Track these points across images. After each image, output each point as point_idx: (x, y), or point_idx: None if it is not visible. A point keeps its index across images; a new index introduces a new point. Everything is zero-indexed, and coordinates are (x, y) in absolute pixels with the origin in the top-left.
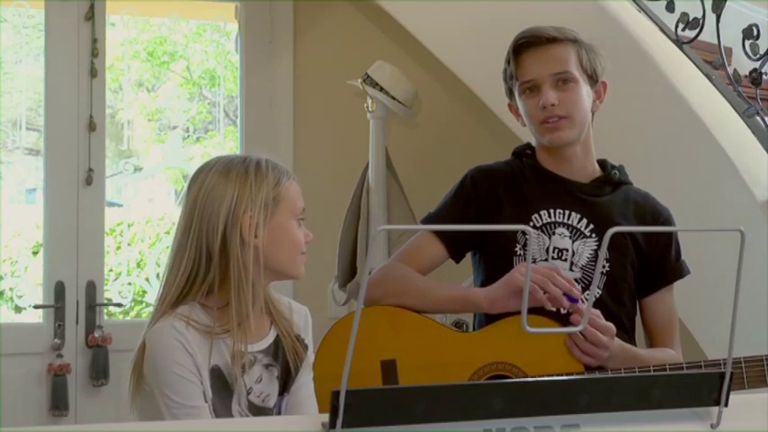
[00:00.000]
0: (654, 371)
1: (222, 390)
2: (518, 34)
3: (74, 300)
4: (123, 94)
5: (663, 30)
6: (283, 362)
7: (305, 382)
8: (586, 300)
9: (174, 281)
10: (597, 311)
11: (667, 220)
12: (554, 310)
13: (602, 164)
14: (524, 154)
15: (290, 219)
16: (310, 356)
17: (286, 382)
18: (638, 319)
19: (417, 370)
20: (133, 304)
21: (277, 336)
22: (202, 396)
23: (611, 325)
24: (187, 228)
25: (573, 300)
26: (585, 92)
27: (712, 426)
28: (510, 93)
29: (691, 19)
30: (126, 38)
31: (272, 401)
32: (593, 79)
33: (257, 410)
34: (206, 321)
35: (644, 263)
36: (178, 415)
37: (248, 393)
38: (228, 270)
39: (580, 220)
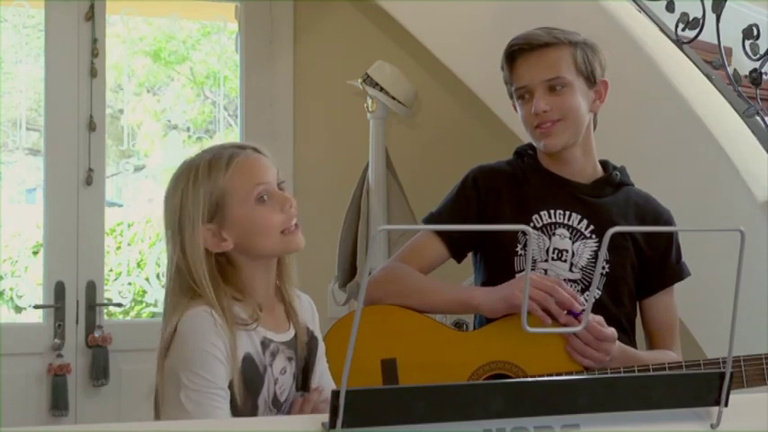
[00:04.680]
0: (653, 371)
1: (253, 379)
2: (511, 40)
3: (74, 300)
4: (123, 94)
5: (663, 30)
6: (299, 358)
7: (324, 369)
8: (586, 300)
9: (174, 288)
10: (600, 318)
11: (668, 222)
12: None
13: (604, 165)
14: (526, 154)
15: (243, 207)
16: (322, 346)
17: (300, 379)
18: (638, 320)
19: (418, 369)
20: (133, 304)
21: (295, 332)
22: (227, 382)
23: (612, 330)
24: (167, 242)
25: (574, 314)
26: (581, 94)
27: (712, 426)
28: (511, 95)
29: (691, 19)
30: (126, 38)
31: (285, 396)
32: (590, 80)
33: (277, 403)
34: (234, 310)
35: (644, 264)
36: (201, 394)
37: (275, 383)
38: (198, 277)
39: (580, 221)
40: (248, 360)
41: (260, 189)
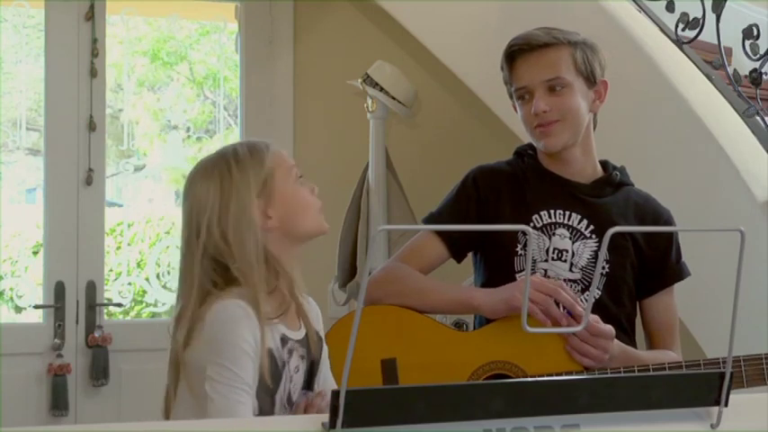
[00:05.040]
0: (654, 371)
1: (273, 375)
2: (510, 41)
3: (74, 300)
4: (124, 93)
5: (663, 30)
6: (309, 357)
7: (327, 371)
8: (586, 301)
9: (192, 288)
10: (596, 316)
11: (668, 222)
12: None
13: (604, 165)
14: (526, 154)
15: (288, 182)
16: (326, 348)
17: (308, 378)
18: (638, 320)
19: (418, 369)
20: (133, 304)
21: (306, 331)
22: (254, 379)
23: (610, 327)
24: (191, 238)
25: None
26: (581, 94)
27: (712, 426)
28: (511, 96)
29: (691, 19)
30: (126, 38)
31: (296, 395)
32: (590, 80)
33: (290, 401)
34: (264, 306)
35: (644, 264)
36: (229, 388)
37: (290, 381)
38: (240, 262)
39: (580, 221)
40: (270, 356)
41: (296, 170)
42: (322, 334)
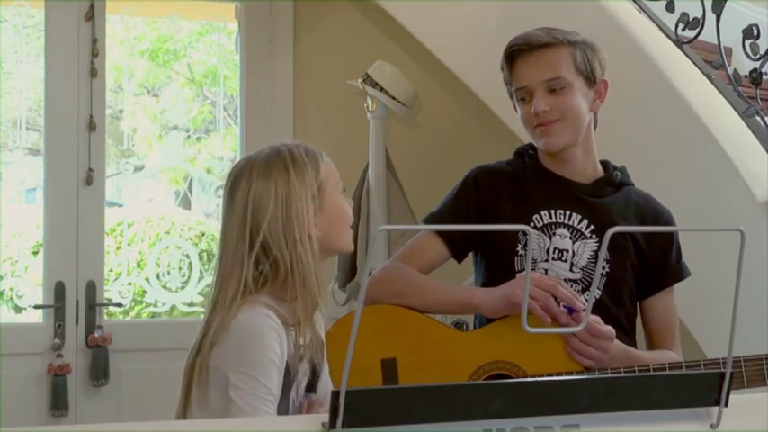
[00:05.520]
0: (654, 371)
1: (287, 379)
2: (510, 41)
3: (74, 300)
4: (124, 94)
5: (663, 30)
6: (312, 361)
7: (327, 374)
8: (586, 300)
9: (233, 287)
10: (597, 317)
11: (668, 222)
12: None
13: (605, 165)
14: (526, 154)
15: (337, 194)
16: (325, 353)
17: (311, 381)
18: (638, 321)
19: (418, 368)
20: (133, 304)
21: (311, 336)
22: (278, 388)
23: (610, 328)
24: (241, 237)
25: (571, 310)
26: (581, 94)
27: (712, 426)
28: (511, 96)
29: (691, 19)
30: (126, 38)
31: (300, 398)
32: (590, 80)
33: (296, 404)
34: (283, 313)
35: (644, 264)
36: (257, 398)
37: (298, 385)
38: (294, 266)
39: (581, 221)
40: (287, 361)
41: (341, 183)
42: (323, 334)
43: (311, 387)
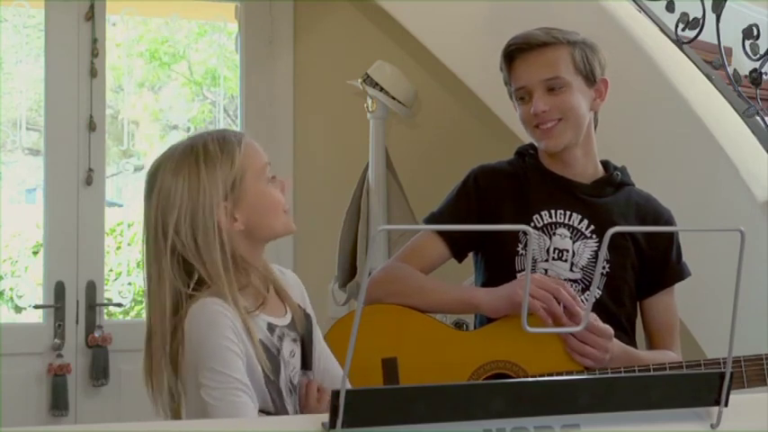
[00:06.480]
0: (654, 371)
1: (270, 364)
2: (509, 40)
3: (74, 300)
4: (124, 94)
5: (663, 30)
6: (300, 337)
7: (323, 347)
8: (586, 300)
9: (165, 292)
10: (594, 315)
11: (668, 222)
12: None
13: (605, 165)
14: (527, 154)
15: (259, 183)
16: (315, 321)
17: (304, 358)
18: (638, 321)
19: (418, 367)
20: (133, 304)
21: (292, 314)
22: (245, 373)
23: (608, 327)
24: (159, 243)
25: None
26: (581, 93)
27: (712, 426)
28: (511, 96)
29: (691, 19)
30: (126, 38)
31: (297, 378)
32: (590, 79)
33: (292, 386)
34: (244, 300)
35: (644, 264)
36: (224, 391)
37: (287, 367)
38: (204, 263)
39: (581, 221)
40: (263, 346)
41: (268, 168)
42: (309, 309)
43: (305, 364)
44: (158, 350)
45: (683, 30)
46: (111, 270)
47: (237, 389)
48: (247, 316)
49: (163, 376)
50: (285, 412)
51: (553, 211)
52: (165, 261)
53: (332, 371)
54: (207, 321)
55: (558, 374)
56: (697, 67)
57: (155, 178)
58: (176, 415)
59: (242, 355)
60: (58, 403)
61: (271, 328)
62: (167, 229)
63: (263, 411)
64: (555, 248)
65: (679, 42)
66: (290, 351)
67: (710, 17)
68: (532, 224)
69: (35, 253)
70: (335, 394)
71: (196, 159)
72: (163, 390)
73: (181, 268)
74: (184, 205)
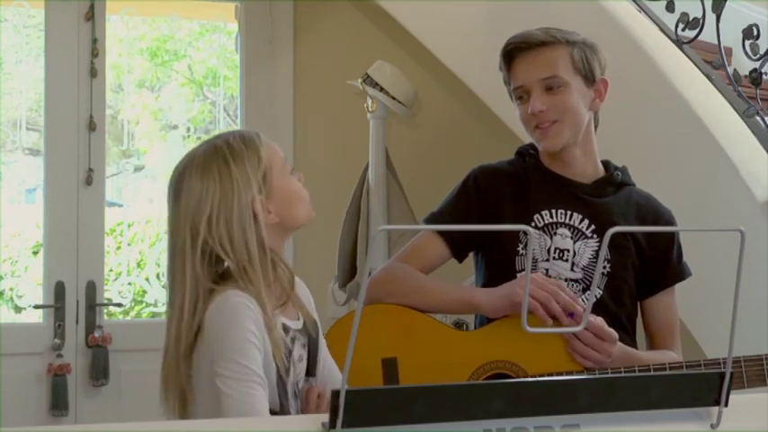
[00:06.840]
0: (654, 371)
1: (285, 364)
2: (508, 39)
3: (74, 300)
4: (124, 94)
5: (663, 30)
6: (309, 345)
7: (327, 355)
8: (587, 300)
9: (188, 287)
10: (601, 319)
11: (669, 222)
12: None
13: (606, 165)
14: (527, 154)
15: (284, 175)
16: (320, 330)
17: (309, 364)
18: (639, 321)
19: (418, 368)
20: (133, 304)
21: (303, 319)
22: (262, 367)
23: (614, 332)
24: (186, 244)
25: (573, 316)
26: (579, 93)
27: (712, 426)
28: (511, 96)
29: (691, 19)
30: (126, 38)
31: (301, 383)
32: (589, 79)
33: (297, 392)
34: (265, 298)
35: (645, 264)
36: (241, 382)
37: (296, 370)
38: (240, 260)
39: (581, 221)
40: (283, 343)
41: (287, 160)
42: (317, 317)
43: (310, 371)
44: (176, 355)
45: (683, 30)
46: (111, 270)
47: (254, 381)
48: (270, 312)
49: (180, 378)
50: (288, 414)
51: (554, 211)
52: (193, 262)
53: (332, 378)
54: (230, 312)
55: (557, 374)
56: (697, 67)
57: (180, 184)
58: (183, 413)
59: (261, 349)
60: (58, 403)
61: (285, 329)
62: (198, 228)
63: (270, 410)
64: (556, 248)
65: (679, 42)
66: (299, 355)
67: (710, 17)
68: (533, 224)
69: (35, 253)
70: (335, 394)
71: (224, 158)
72: (176, 391)
73: (211, 266)
74: (217, 204)
